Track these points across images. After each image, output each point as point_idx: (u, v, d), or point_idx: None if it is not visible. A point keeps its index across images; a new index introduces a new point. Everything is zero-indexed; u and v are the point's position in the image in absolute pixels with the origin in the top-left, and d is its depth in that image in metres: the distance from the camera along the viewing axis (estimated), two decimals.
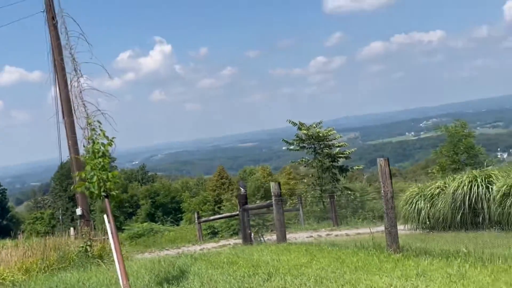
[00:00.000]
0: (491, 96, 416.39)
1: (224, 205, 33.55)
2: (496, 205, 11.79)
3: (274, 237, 15.01)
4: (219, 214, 36.68)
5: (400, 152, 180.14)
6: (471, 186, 12.42)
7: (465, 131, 30.59)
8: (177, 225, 55.56)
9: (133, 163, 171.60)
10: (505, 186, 11.69)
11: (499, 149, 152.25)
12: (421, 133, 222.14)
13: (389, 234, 8.51)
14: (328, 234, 18.02)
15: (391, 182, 8.60)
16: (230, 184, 66.35)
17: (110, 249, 8.86)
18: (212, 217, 27.01)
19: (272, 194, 12.45)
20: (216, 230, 27.13)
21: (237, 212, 17.13)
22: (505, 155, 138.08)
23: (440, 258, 7.36)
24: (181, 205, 71.05)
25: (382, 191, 8.57)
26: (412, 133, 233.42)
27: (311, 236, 17.54)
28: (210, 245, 18.74)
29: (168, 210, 73.23)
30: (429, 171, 33.31)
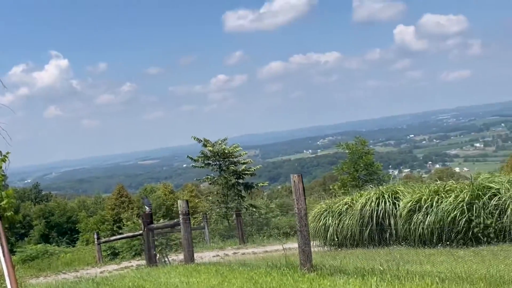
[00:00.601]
0: (383, 116, 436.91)
1: (125, 224, 32.33)
2: (402, 221, 11.98)
3: (179, 257, 14.48)
4: (119, 234, 35.31)
5: (298, 169, 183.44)
6: (379, 202, 12.55)
7: (365, 148, 31.66)
8: (73, 246, 53.21)
9: (25, 181, 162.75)
10: (411, 202, 11.93)
11: (390, 166, 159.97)
12: (318, 150, 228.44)
13: (302, 252, 8.31)
14: (235, 253, 17.74)
15: (305, 198, 8.44)
16: (130, 203, 64.47)
17: (2, 275, 8.03)
18: (113, 237, 25.89)
19: (180, 212, 11.94)
20: (117, 251, 25.93)
21: (140, 232, 16.39)
22: (396, 172, 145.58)
23: (355, 276, 7.23)
24: (77, 225, 68.26)
25: (296, 208, 8.38)
26: (310, 151, 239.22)
27: (218, 255, 17.18)
28: (111, 267, 17.88)
29: (63, 231, 70.14)
30: (330, 187, 34.06)
